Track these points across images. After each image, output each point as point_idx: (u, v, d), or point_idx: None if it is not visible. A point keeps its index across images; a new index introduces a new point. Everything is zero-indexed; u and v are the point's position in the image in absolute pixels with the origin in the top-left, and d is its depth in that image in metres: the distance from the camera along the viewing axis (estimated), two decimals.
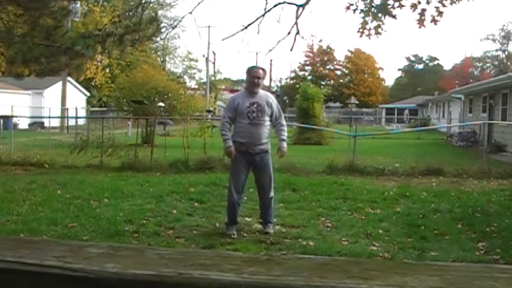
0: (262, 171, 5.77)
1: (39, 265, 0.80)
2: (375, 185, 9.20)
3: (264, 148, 5.72)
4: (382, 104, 57.49)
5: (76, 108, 31.01)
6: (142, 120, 16.58)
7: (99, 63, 37.27)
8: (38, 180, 9.04)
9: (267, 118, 5.72)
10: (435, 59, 69.89)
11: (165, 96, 18.24)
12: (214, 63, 55.54)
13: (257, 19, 9.20)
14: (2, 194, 7.71)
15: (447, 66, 68.23)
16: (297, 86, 30.54)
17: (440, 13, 8.00)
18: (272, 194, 5.84)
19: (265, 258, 0.82)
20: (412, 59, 70.28)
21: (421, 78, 65.68)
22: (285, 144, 5.91)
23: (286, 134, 5.99)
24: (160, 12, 43.59)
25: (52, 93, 33.15)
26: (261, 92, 5.87)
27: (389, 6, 8.19)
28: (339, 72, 67.24)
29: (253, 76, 5.74)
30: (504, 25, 59.48)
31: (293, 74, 66.92)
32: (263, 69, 5.97)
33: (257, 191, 6.04)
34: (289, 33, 9.20)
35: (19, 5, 7.52)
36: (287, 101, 52.97)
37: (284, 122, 5.95)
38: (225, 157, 10.73)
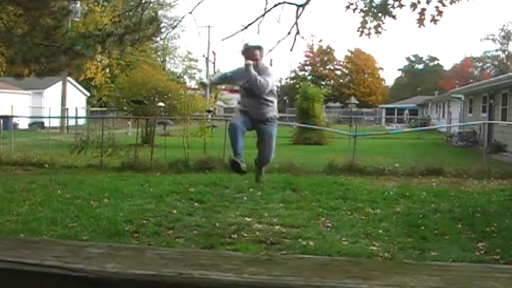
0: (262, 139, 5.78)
1: (39, 265, 0.80)
2: (375, 185, 9.20)
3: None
4: (382, 104, 57.46)
5: (76, 108, 31.01)
6: (142, 120, 16.58)
7: (99, 63, 37.27)
8: (38, 180, 9.04)
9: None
10: (435, 59, 69.93)
11: (165, 96, 18.22)
12: (214, 63, 55.50)
13: (257, 19, 9.18)
14: (2, 194, 7.72)
15: (447, 66, 68.33)
16: (297, 86, 30.52)
17: (440, 13, 8.00)
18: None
19: (265, 258, 0.82)
20: (412, 59, 70.29)
21: (421, 78, 65.68)
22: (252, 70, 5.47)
23: (259, 81, 5.42)
24: (160, 12, 43.59)
25: (52, 93, 33.14)
26: (261, 67, 5.63)
27: (389, 6, 8.19)
28: (339, 72, 67.23)
29: (248, 58, 5.53)
30: (504, 25, 59.60)
31: (293, 74, 66.95)
32: (258, 48, 5.73)
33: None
34: (289, 33, 9.19)
35: (19, 5, 7.51)
36: (287, 101, 52.96)
37: (267, 79, 5.48)
38: (225, 157, 10.75)
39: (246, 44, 6.15)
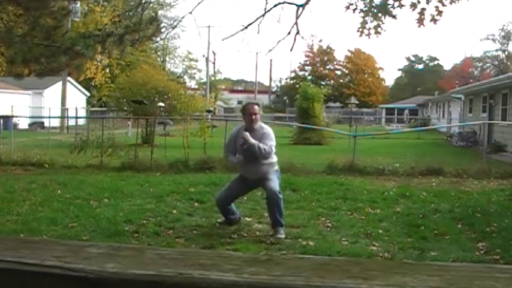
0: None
1: (39, 265, 0.80)
2: (375, 185, 9.20)
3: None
4: (382, 104, 57.45)
5: (76, 108, 31.02)
6: (142, 120, 16.58)
7: (99, 63, 37.29)
8: (38, 180, 9.04)
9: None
10: (435, 59, 69.96)
11: (165, 96, 18.22)
12: (214, 63, 55.65)
13: (257, 19, 9.18)
14: (2, 194, 7.71)
15: (447, 66, 68.39)
16: (297, 86, 30.53)
17: (439, 12, 8.00)
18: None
19: (265, 258, 0.82)
20: (412, 59, 70.31)
21: (421, 78, 65.67)
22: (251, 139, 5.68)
23: (263, 149, 5.64)
24: (160, 12, 43.63)
25: (52, 93, 33.14)
26: (257, 126, 5.85)
27: (389, 6, 8.19)
28: (339, 72, 67.25)
29: (250, 113, 5.82)
30: (504, 25, 59.60)
31: (293, 74, 66.99)
32: (257, 104, 6.15)
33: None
34: (289, 33, 9.19)
35: (19, 5, 7.51)
36: (287, 101, 52.96)
37: (270, 145, 5.70)
38: (225, 157, 10.77)
39: (246, 102, 6.44)
